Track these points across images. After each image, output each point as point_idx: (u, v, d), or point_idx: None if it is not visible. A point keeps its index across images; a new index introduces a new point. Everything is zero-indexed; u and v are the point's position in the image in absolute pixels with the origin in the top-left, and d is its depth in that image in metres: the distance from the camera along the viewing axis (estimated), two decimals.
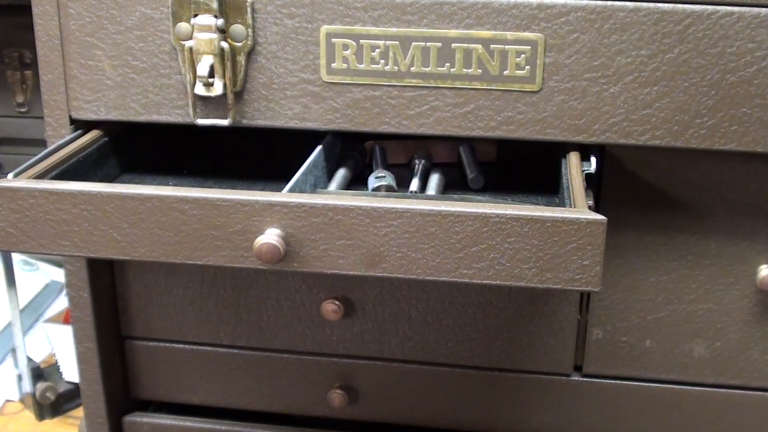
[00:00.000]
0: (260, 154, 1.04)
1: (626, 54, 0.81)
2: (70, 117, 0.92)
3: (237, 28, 0.86)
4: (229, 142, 1.08)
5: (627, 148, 0.86)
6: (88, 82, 0.91)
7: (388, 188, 0.88)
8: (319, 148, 0.91)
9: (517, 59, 0.82)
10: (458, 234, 0.70)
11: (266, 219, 0.71)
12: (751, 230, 0.90)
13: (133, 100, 0.91)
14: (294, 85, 0.87)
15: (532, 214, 0.69)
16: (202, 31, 0.85)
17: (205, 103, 0.89)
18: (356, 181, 0.96)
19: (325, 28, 0.85)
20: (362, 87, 0.86)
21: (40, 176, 0.82)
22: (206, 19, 0.85)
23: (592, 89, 0.82)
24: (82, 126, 0.93)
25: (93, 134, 0.93)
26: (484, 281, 0.71)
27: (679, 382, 0.97)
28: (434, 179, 0.92)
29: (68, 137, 0.92)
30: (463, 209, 0.70)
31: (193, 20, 0.85)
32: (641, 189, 0.89)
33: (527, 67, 0.82)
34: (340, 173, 0.94)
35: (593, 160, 0.80)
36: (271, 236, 0.71)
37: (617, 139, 0.84)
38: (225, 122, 0.89)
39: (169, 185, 0.94)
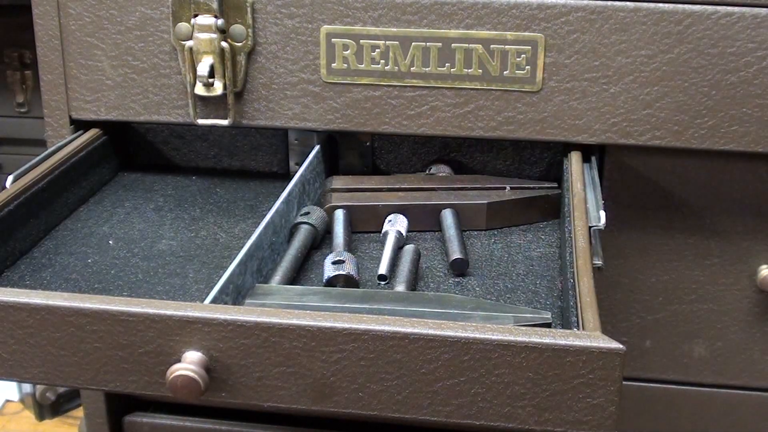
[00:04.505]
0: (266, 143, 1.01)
1: (626, 54, 0.81)
2: (70, 117, 0.92)
3: (237, 29, 0.86)
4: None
5: (627, 148, 0.86)
6: (88, 82, 0.91)
7: (347, 279, 0.71)
8: (277, 203, 0.78)
9: (517, 59, 0.82)
10: (431, 363, 0.54)
11: (184, 339, 0.57)
12: (752, 230, 0.89)
13: (133, 100, 0.91)
14: (294, 86, 0.87)
15: (527, 340, 0.53)
16: (202, 31, 0.85)
17: (205, 103, 0.89)
18: (314, 254, 0.80)
19: (325, 28, 0.84)
20: (362, 87, 0.86)
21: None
22: (206, 20, 0.85)
23: (593, 89, 0.82)
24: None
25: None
26: (465, 421, 0.56)
27: (679, 383, 0.96)
28: (406, 258, 0.74)
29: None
30: (435, 332, 0.53)
31: (193, 20, 0.85)
32: (641, 189, 0.88)
33: (527, 67, 0.82)
34: (291, 251, 0.76)
35: (602, 215, 0.73)
36: (188, 365, 0.56)
37: (617, 139, 0.84)
38: (225, 122, 0.89)
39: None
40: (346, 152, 0.96)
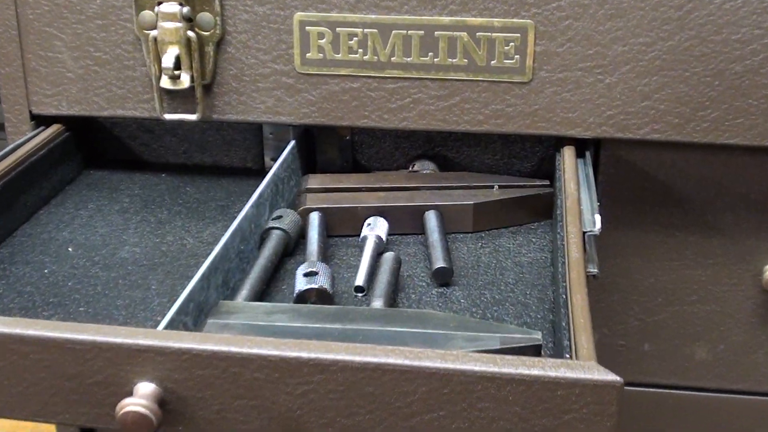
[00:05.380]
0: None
1: (623, 42, 0.76)
2: (30, 112, 0.87)
3: (204, 17, 0.80)
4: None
5: (624, 142, 0.81)
6: (49, 75, 0.85)
7: (320, 294, 0.65)
8: (246, 207, 0.73)
9: (506, 48, 0.77)
10: (407, 396, 0.49)
11: (135, 369, 0.52)
12: (756, 228, 0.84)
13: (96, 94, 0.85)
14: (266, 77, 0.81)
15: (514, 371, 0.47)
16: (167, 19, 0.79)
17: (172, 96, 0.84)
18: (286, 262, 0.74)
19: (298, 15, 0.79)
20: (339, 78, 0.80)
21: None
22: (171, 7, 0.79)
23: (587, 80, 0.77)
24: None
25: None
26: None
27: (680, 387, 0.93)
28: (385, 268, 0.69)
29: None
30: (411, 362, 0.48)
31: (157, 8, 0.79)
32: (639, 185, 0.84)
33: (516, 56, 0.77)
34: (261, 260, 0.70)
35: (598, 218, 0.68)
36: (139, 400, 0.50)
37: (614, 133, 0.79)
38: (193, 117, 0.83)
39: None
40: (324, 147, 0.91)
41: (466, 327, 0.58)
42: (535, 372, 0.48)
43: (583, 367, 0.48)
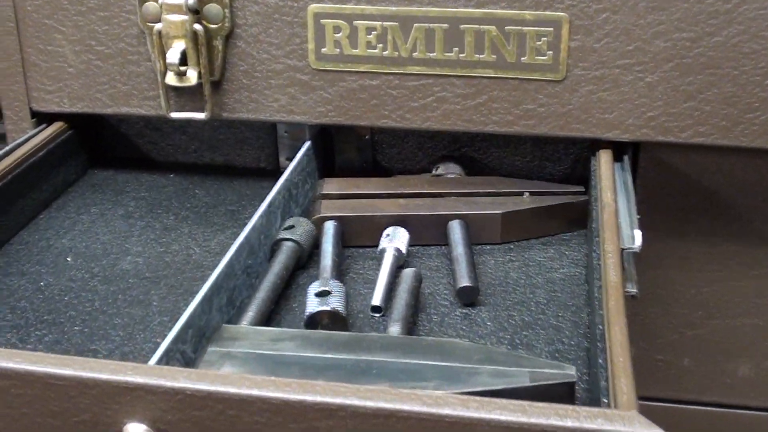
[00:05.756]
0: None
1: (666, 37, 0.70)
2: (30, 109, 0.83)
3: (212, 9, 0.75)
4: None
5: (666, 146, 0.75)
6: (49, 70, 0.81)
7: (332, 316, 0.60)
8: (255, 217, 0.68)
9: (538, 43, 0.72)
10: None
11: (124, 408, 0.47)
12: None
13: (99, 90, 0.80)
14: (279, 74, 0.76)
15: (545, 422, 0.42)
16: (172, 12, 0.74)
17: (179, 93, 0.79)
18: (299, 276, 0.69)
19: (312, 7, 0.73)
20: (357, 75, 0.76)
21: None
22: None
23: (626, 78, 0.72)
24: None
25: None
26: None
27: (721, 405, 0.89)
28: (404, 287, 0.63)
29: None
30: (429, 410, 0.43)
31: None
32: (681, 191, 0.79)
33: (549, 52, 0.72)
34: (270, 276, 0.65)
35: (638, 234, 0.63)
36: None
37: (654, 136, 0.73)
38: (202, 116, 0.78)
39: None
40: (343, 146, 0.85)
41: (492, 360, 0.53)
42: (569, 424, 0.42)
43: (623, 419, 0.43)
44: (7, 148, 0.78)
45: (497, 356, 0.53)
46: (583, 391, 0.55)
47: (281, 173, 0.76)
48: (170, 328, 0.56)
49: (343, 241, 0.72)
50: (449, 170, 0.81)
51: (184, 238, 0.75)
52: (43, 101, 0.82)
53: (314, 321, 0.60)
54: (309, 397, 0.45)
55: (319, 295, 0.61)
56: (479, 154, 0.83)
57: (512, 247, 0.73)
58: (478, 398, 0.44)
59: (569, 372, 0.52)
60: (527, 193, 0.75)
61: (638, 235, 0.63)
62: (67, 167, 0.84)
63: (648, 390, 0.89)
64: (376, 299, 0.63)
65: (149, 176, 0.86)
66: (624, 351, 0.50)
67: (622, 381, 0.47)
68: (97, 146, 0.89)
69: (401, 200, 0.74)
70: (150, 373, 0.47)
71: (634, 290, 0.61)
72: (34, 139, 0.81)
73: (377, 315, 0.63)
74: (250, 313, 0.60)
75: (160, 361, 0.52)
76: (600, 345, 0.52)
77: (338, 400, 0.45)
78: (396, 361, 0.53)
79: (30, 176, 0.78)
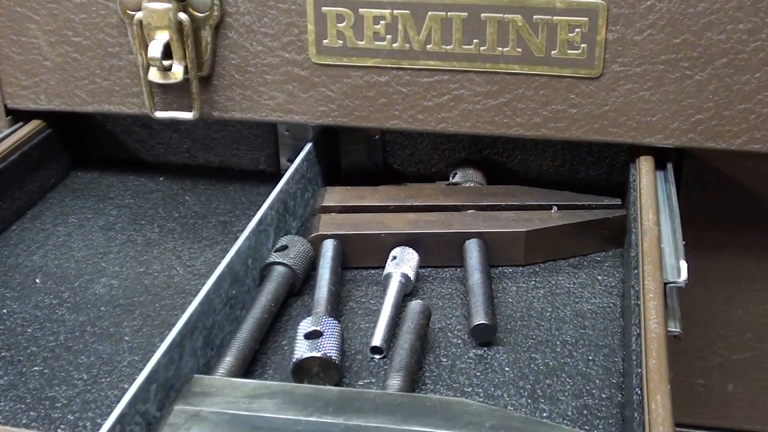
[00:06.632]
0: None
1: (718, 29, 0.63)
2: (4, 107, 0.77)
3: None
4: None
5: (715, 153, 0.66)
6: (23, 64, 0.74)
7: (324, 363, 0.52)
8: (241, 238, 0.59)
9: (570, 35, 0.65)
10: None
11: None
12: None
13: (77, 86, 0.73)
14: (276, 68, 0.69)
15: None
16: None
17: (164, 90, 0.71)
18: (292, 304, 0.61)
19: None
20: (363, 70, 0.68)
21: None
22: None
23: (671, 75, 0.64)
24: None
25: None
26: None
27: None
28: (410, 325, 0.54)
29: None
30: None
31: None
32: (728, 204, 0.74)
33: (583, 45, 0.65)
34: (257, 309, 0.57)
35: (683, 266, 0.55)
36: None
37: (703, 142, 0.66)
38: (189, 115, 0.70)
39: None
40: (350, 147, 0.77)
41: (507, 427, 0.44)
42: None
43: None
44: None
45: (513, 423, 0.45)
46: None
47: (281, 177, 0.68)
48: (141, 370, 0.48)
49: (343, 262, 0.63)
50: (467, 177, 0.72)
51: (168, 255, 0.67)
52: (18, 98, 0.75)
53: (302, 368, 0.52)
54: None
55: (309, 336, 0.52)
56: (502, 158, 0.75)
57: (537, 270, 0.64)
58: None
59: None
60: (555, 207, 0.66)
61: (684, 267, 0.54)
62: (45, 170, 0.76)
63: (688, 417, 0.83)
64: (377, 339, 0.55)
65: (136, 179, 0.78)
66: (667, 427, 0.41)
67: None
68: (80, 145, 0.81)
69: (411, 215, 0.65)
70: None
71: (677, 330, 0.53)
72: (8, 139, 0.74)
73: (377, 357, 0.55)
74: (229, 359, 0.52)
75: (112, 430, 0.44)
76: (638, 417, 0.43)
77: None
78: (393, 428, 0.45)
79: (3, 181, 0.70)
